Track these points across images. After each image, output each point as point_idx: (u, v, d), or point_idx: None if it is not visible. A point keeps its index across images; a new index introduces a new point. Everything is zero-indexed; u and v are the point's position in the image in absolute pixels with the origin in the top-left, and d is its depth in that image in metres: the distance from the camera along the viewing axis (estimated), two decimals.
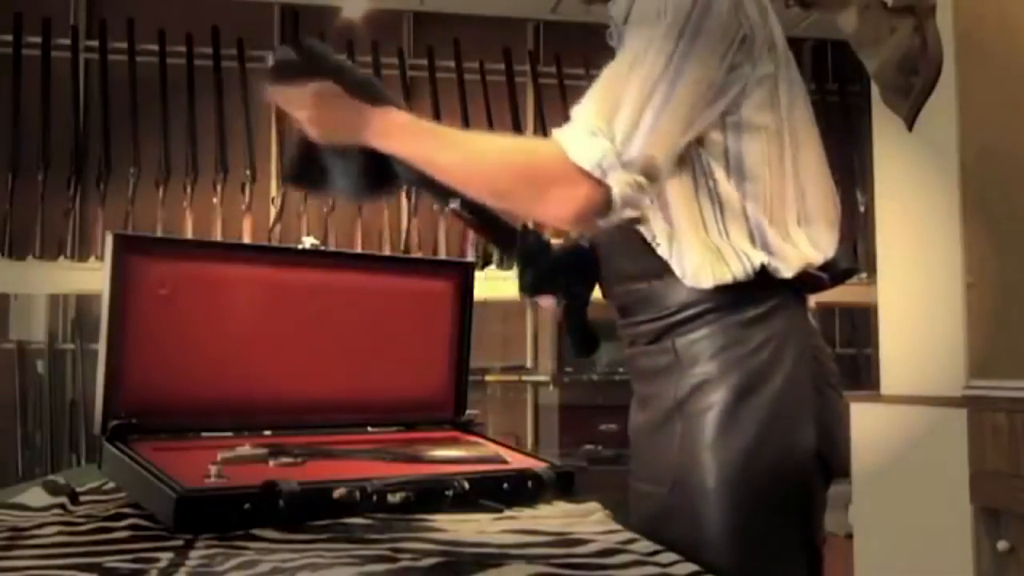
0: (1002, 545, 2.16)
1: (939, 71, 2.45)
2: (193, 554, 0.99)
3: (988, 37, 2.43)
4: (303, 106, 1.23)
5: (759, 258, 1.15)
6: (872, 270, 2.90)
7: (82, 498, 1.31)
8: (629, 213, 1.11)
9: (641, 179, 1.08)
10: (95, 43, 3.58)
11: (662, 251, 1.18)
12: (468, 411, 1.66)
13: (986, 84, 2.41)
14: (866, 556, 2.69)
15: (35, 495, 1.30)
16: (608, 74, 1.13)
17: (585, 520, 1.22)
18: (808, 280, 1.18)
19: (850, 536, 2.80)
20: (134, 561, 0.96)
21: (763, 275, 1.15)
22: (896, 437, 2.53)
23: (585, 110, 1.12)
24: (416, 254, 3.48)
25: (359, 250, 3.43)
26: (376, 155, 1.23)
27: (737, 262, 1.14)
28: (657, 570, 0.97)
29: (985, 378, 2.30)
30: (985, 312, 2.36)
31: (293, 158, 1.28)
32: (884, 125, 2.70)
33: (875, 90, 2.69)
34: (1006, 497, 2.15)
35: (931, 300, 2.50)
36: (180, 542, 1.04)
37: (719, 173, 1.16)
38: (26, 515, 1.21)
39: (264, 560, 0.95)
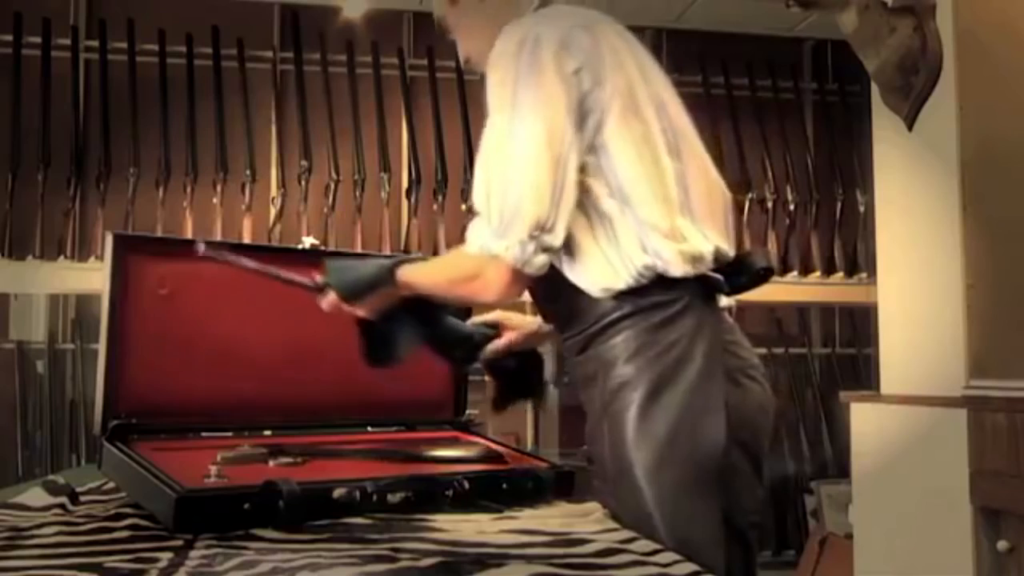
0: (1002, 545, 2.15)
1: (939, 71, 2.45)
2: (193, 554, 0.99)
3: (988, 37, 2.42)
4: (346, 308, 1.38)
5: (642, 260, 1.22)
6: (872, 270, 2.90)
7: (82, 498, 1.31)
8: (539, 264, 1.21)
9: (523, 236, 1.19)
10: (95, 43, 3.59)
11: (567, 272, 1.27)
12: (468, 411, 1.66)
13: (986, 83, 2.41)
14: (866, 556, 2.68)
15: (35, 495, 1.30)
16: (479, 157, 1.26)
17: (585, 520, 1.22)
18: (706, 281, 1.26)
19: (850, 536, 2.80)
20: (134, 561, 0.97)
21: (661, 278, 1.23)
22: (896, 437, 2.52)
23: (475, 198, 1.25)
24: (416, 254, 3.48)
25: (359, 250, 3.43)
26: (415, 308, 1.38)
27: (624, 269, 1.23)
28: (656, 570, 0.97)
29: (985, 378, 2.30)
30: (985, 312, 2.35)
31: (363, 347, 1.41)
32: (884, 125, 2.70)
33: (875, 90, 2.69)
34: (1006, 497, 2.15)
35: (931, 300, 2.49)
36: (180, 542, 1.04)
37: (599, 190, 1.24)
38: (26, 515, 1.21)
39: (264, 560, 0.95)
